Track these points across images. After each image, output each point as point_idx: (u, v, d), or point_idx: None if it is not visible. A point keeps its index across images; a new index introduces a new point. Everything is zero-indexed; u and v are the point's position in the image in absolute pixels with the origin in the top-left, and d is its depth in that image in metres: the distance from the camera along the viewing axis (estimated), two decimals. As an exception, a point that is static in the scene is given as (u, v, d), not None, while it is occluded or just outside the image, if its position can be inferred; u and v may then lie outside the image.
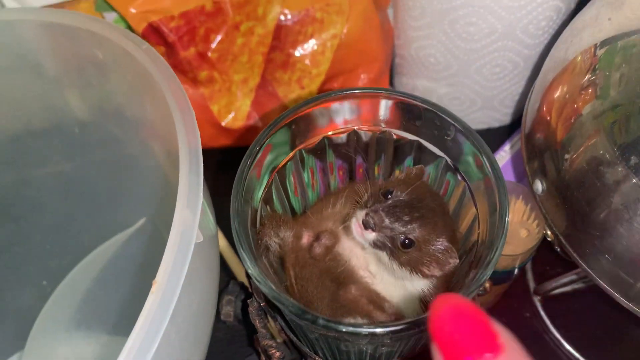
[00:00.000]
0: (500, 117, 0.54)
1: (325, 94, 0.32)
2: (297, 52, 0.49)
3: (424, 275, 0.31)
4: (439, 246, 0.30)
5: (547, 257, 0.49)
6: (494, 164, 0.29)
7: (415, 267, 0.31)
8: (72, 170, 0.50)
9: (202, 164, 0.31)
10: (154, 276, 0.47)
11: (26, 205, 0.50)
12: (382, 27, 0.50)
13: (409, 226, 0.30)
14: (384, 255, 0.31)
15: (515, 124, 0.56)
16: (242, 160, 0.31)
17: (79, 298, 0.46)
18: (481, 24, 0.44)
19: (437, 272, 0.31)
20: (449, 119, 0.31)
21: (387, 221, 0.30)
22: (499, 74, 0.48)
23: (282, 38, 0.48)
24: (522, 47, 0.46)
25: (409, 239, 0.30)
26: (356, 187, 0.37)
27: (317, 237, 0.34)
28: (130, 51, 0.38)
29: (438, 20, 0.45)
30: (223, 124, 0.51)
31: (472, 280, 0.28)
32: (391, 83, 0.56)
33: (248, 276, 0.36)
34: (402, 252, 0.30)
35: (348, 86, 0.51)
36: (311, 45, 0.48)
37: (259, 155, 0.31)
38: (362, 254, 0.33)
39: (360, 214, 0.30)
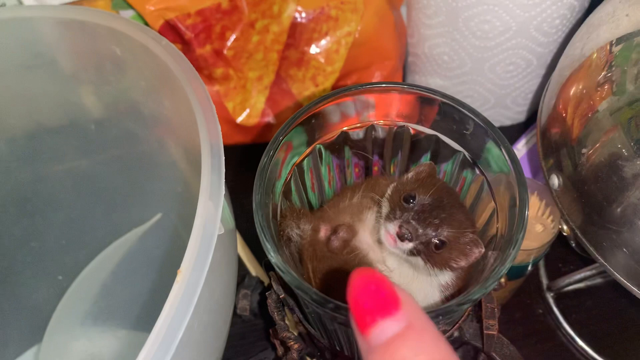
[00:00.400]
0: (513, 115, 0.54)
1: (343, 88, 0.33)
2: (312, 50, 0.49)
3: (452, 269, 0.31)
4: (466, 240, 0.31)
5: (560, 254, 0.49)
6: (514, 158, 0.30)
7: (446, 264, 0.31)
8: (88, 166, 0.50)
9: (224, 158, 0.32)
10: (170, 271, 0.47)
11: (42, 201, 0.51)
12: (396, 26, 0.51)
13: (440, 229, 0.30)
14: (418, 261, 0.31)
15: (527, 122, 0.56)
16: (263, 154, 0.31)
17: (95, 293, 0.47)
18: (495, 22, 0.44)
19: (464, 264, 0.31)
20: (468, 113, 0.31)
21: (420, 230, 0.30)
22: (513, 72, 0.49)
23: (297, 36, 0.49)
24: (535, 45, 0.46)
25: (441, 241, 0.30)
26: (372, 181, 0.37)
27: (334, 231, 0.34)
28: (151, 48, 0.38)
29: (452, 18, 0.45)
30: (238, 121, 0.51)
31: (491, 274, 0.28)
32: (404, 81, 0.57)
33: (267, 268, 0.36)
34: (435, 253, 0.30)
35: (362, 84, 0.51)
36: (326, 43, 0.49)
37: (279, 149, 0.32)
38: (379, 248, 0.34)
39: (392, 227, 0.30)
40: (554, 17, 0.44)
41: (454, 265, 0.31)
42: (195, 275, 0.27)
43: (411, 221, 0.30)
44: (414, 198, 0.31)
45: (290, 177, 0.34)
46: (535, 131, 0.52)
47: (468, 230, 0.30)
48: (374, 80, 0.51)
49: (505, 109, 0.53)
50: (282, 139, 0.31)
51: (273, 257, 0.28)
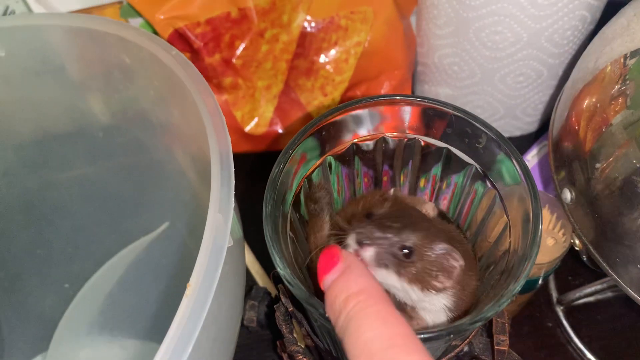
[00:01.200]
0: (522, 125, 0.54)
1: (355, 100, 0.32)
2: (321, 60, 0.49)
3: (437, 289, 0.30)
4: (439, 250, 0.30)
5: (570, 267, 0.48)
6: (527, 173, 0.29)
7: (424, 282, 0.30)
8: (95, 174, 0.50)
9: (233, 169, 0.31)
10: (177, 280, 0.47)
11: (49, 209, 0.50)
12: (405, 35, 0.50)
13: (402, 234, 0.29)
14: (391, 276, 0.30)
15: (537, 133, 0.56)
16: (274, 166, 0.31)
17: (101, 301, 0.47)
18: (507, 33, 0.44)
19: (447, 282, 0.30)
20: (481, 127, 0.31)
21: (378, 233, 0.29)
22: (523, 82, 0.48)
23: (306, 45, 0.49)
24: (546, 56, 0.46)
25: (407, 247, 0.29)
26: (374, 195, 0.37)
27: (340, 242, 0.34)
28: (161, 57, 0.38)
29: (463, 28, 0.45)
30: (246, 130, 0.51)
31: (504, 291, 0.27)
32: (413, 91, 0.57)
33: (276, 281, 0.36)
34: (406, 265, 0.29)
35: (371, 93, 0.51)
36: (335, 52, 0.49)
37: (290, 161, 0.31)
38: None
39: (351, 237, 0.29)
40: (566, 29, 0.44)
41: (437, 285, 0.30)
42: (205, 289, 0.27)
43: (368, 226, 0.29)
44: (372, 214, 0.31)
45: (300, 188, 0.34)
46: (545, 142, 0.52)
47: (439, 239, 0.29)
48: (383, 90, 0.51)
49: (514, 120, 0.53)
50: (292, 152, 0.31)
51: (282, 269, 0.28)
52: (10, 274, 0.49)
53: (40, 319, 0.49)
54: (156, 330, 0.44)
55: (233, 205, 0.30)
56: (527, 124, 0.54)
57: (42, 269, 0.50)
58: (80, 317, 0.46)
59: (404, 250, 0.29)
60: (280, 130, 0.52)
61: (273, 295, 0.46)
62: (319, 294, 0.26)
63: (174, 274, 0.46)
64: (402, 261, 0.29)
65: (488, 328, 0.36)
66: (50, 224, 0.50)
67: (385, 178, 0.38)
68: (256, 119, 0.51)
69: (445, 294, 0.31)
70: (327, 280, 0.24)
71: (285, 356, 0.38)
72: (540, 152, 0.51)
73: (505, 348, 0.34)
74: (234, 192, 0.31)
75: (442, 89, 0.52)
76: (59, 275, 0.50)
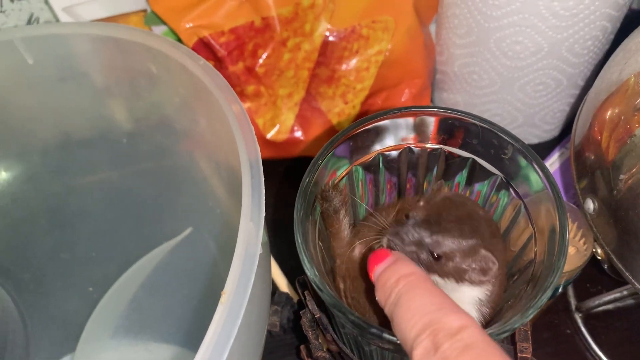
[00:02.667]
0: (541, 133, 0.54)
1: (384, 111, 0.33)
2: (342, 68, 0.50)
3: (472, 282, 0.31)
4: (472, 253, 0.30)
5: (588, 275, 0.49)
6: (553, 183, 0.30)
7: (458, 276, 0.31)
8: (118, 179, 0.51)
9: (263, 178, 0.32)
10: (201, 285, 0.48)
11: (73, 213, 0.51)
12: (425, 44, 0.51)
13: (435, 240, 0.30)
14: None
15: (554, 141, 0.56)
16: (304, 176, 0.31)
17: (126, 305, 0.47)
18: (527, 43, 0.44)
19: (483, 278, 0.31)
20: (507, 139, 0.31)
21: (409, 238, 0.30)
22: (542, 91, 0.49)
23: (328, 54, 0.49)
24: (566, 65, 0.46)
25: (436, 254, 0.30)
26: (405, 202, 0.38)
27: (369, 249, 0.34)
28: (188, 67, 0.39)
29: (484, 38, 0.46)
30: (268, 137, 0.52)
31: (532, 302, 0.28)
32: (431, 99, 0.57)
33: (302, 287, 0.37)
34: (437, 265, 0.31)
35: (391, 101, 0.51)
36: (356, 61, 0.49)
37: (319, 171, 0.32)
38: None
39: (384, 241, 0.31)
40: (586, 39, 0.44)
41: (472, 279, 0.31)
42: (239, 296, 0.28)
43: (400, 234, 0.31)
44: (408, 216, 0.32)
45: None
46: (563, 150, 0.52)
47: (473, 240, 0.30)
48: (403, 98, 0.51)
49: (533, 128, 0.53)
50: (322, 162, 0.32)
51: (313, 276, 0.29)
52: (35, 277, 0.50)
53: (65, 321, 0.50)
54: (181, 334, 0.45)
55: (264, 213, 0.31)
56: (545, 131, 0.55)
57: (65, 273, 0.51)
58: (106, 320, 0.47)
59: (435, 256, 0.30)
60: (301, 137, 0.52)
61: (295, 300, 0.47)
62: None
63: (198, 279, 0.47)
64: (433, 263, 0.30)
65: (511, 336, 0.36)
66: (73, 228, 0.51)
67: (408, 185, 0.39)
68: (277, 126, 0.52)
69: (480, 287, 0.32)
70: (379, 269, 0.28)
71: (309, 361, 0.38)
72: (558, 159, 0.51)
73: (528, 356, 0.34)
74: (264, 201, 0.31)
75: (461, 97, 0.53)
76: (83, 279, 0.51)
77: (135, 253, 0.51)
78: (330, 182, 0.34)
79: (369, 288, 0.34)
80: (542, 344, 0.46)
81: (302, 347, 0.40)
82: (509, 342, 0.37)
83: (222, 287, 0.47)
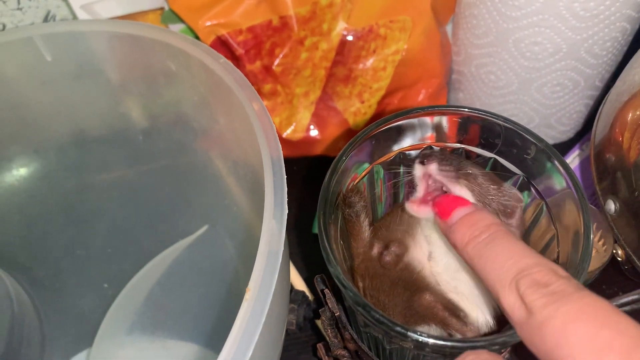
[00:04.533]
0: (556, 134, 0.54)
1: (407, 110, 0.33)
2: (359, 67, 0.50)
3: (505, 213, 0.32)
4: (498, 185, 0.31)
5: (604, 276, 0.48)
6: (576, 183, 0.30)
7: (496, 200, 0.31)
8: (134, 176, 0.51)
9: (285, 176, 0.32)
10: (218, 283, 0.48)
11: (88, 210, 0.51)
12: (442, 44, 0.51)
13: (462, 162, 0.31)
14: (464, 190, 0.32)
15: (569, 142, 0.56)
16: (327, 174, 0.32)
17: (142, 302, 0.47)
18: (546, 44, 0.44)
19: (507, 219, 0.32)
20: (530, 138, 0.31)
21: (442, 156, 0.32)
22: (559, 92, 0.49)
23: (345, 53, 0.49)
24: (584, 66, 0.46)
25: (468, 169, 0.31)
26: None
27: (386, 247, 0.34)
28: (209, 65, 0.39)
29: (502, 39, 0.46)
30: (284, 135, 0.52)
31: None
32: (447, 99, 0.57)
33: (322, 285, 0.37)
34: (471, 179, 0.31)
35: (408, 101, 0.51)
36: (373, 60, 0.49)
37: (341, 169, 0.32)
38: (429, 264, 0.34)
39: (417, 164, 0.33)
40: (605, 40, 0.44)
41: (508, 204, 0.31)
42: (263, 293, 0.28)
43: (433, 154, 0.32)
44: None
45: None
46: (579, 152, 0.52)
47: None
48: (419, 98, 0.51)
49: (549, 128, 0.53)
50: (346, 158, 0.32)
51: (337, 273, 0.29)
52: (50, 274, 0.51)
53: (80, 317, 0.50)
54: (198, 332, 0.45)
55: (286, 211, 0.31)
56: (561, 132, 0.54)
57: (81, 269, 0.51)
58: (122, 317, 0.47)
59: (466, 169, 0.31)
60: (317, 136, 0.52)
61: (310, 298, 0.47)
62: None
63: (214, 277, 0.47)
64: (468, 174, 0.31)
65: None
66: (89, 225, 0.51)
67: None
68: (294, 125, 0.52)
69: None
70: (463, 210, 0.28)
71: (326, 358, 0.38)
72: (575, 160, 0.51)
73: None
74: (286, 199, 0.31)
75: (477, 98, 0.53)
76: (98, 276, 0.51)
77: (150, 250, 0.51)
78: (351, 185, 0.35)
79: (388, 284, 0.34)
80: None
81: (319, 345, 0.40)
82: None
83: (238, 285, 0.48)
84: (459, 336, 0.31)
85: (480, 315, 0.32)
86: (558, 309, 0.21)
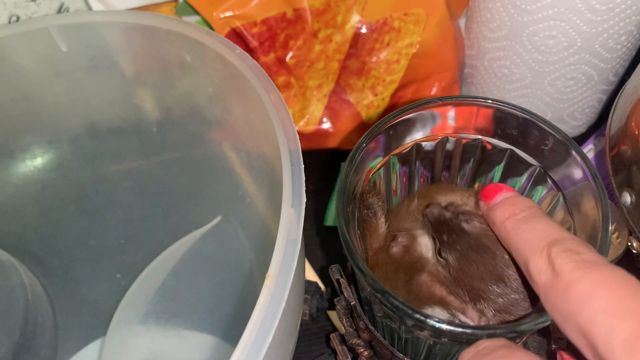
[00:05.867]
0: (568, 129, 0.54)
1: (424, 100, 0.33)
2: (373, 60, 0.50)
3: None
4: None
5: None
6: (595, 175, 0.30)
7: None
8: (147, 167, 0.51)
9: (303, 165, 0.32)
10: (232, 273, 0.48)
11: (102, 201, 0.52)
12: (455, 37, 0.51)
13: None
14: None
15: (582, 137, 0.56)
16: (346, 163, 0.32)
17: (155, 292, 0.48)
18: (560, 38, 0.44)
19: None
20: (549, 129, 0.31)
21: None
22: (573, 86, 0.49)
23: (358, 46, 0.49)
24: (598, 60, 0.46)
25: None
26: (427, 189, 0.38)
27: (393, 237, 0.35)
28: (226, 56, 0.39)
29: (516, 32, 0.46)
30: (296, 128, 0.52)
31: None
32: (460, 93, 0.57)
33: (339, 275, 0.37)
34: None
35: (421, 94, 0.52)
36: (387, 53, 0.50)
37: (359, 159, 0.32)
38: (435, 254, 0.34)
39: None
40: (621, 34, 0.44)
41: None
42: (282, 279, 0.28)
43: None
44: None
45: (366, 187, 0.35)
46: (591, 146, 0.52)
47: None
48: (432, 91, 0.51)
49: (561, 123, 0.53)
50: (366, 144, 0.32)
51: (357, 260, 0.29)
52: (64, 263, 0.51)
53: (93, 306, 0.51)
54: (212, 322, 0.46)
55: (304, 199, 0.31)
56: (573, 127, 0.54)
57: (94, 259, 0.51)
58: (136, 306, 0.47)
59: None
60: (329, 129, 0.53)
61: (323, 289, 0.47)
62: None
63: (227, 267, 0.47)
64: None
65: (544, 328, 0.36)
66: (102, 215, 0.52)
67: (442, 178, 0.39)
68: (306, 118, 0.52)
69: None
70: (507, 193, 0.30)
71: (342, 349, 0.39)
72: (589, 153, 0.51)
73: (564, 347, 0.35)
74: (304, 188, 0.32)
75: (489, 92, 0.53)
76: (111, 266, 0.52)
77: (163, 241, 0.51)
78: (369, 177, 0.35)
79: (393, 273, 0.34)
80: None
81: (332, 335, 0.41)
82: (538, 334, 0.37)
83: (252, 276, 0.48)
84: (461, 317, 0.31)
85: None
86: (587, 274, 0.22)
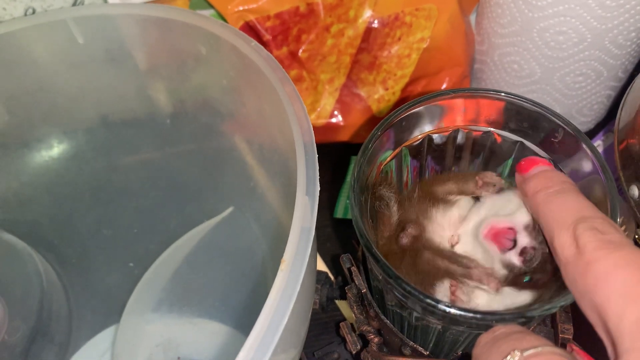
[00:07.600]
0: (577, 125, 0.55)
1: (436, 92, 0.34)
2: (384, 54, 0.51)
3: None
4: None
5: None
6: (604, 167, 0.30)
7: None
8: (161, 158, 0.52)
9: (317, 155, 0.33)
10: (244, 263, 0.49)
11: (116, 191, 0.53)
12: (466, 33, 0.52)
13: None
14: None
15: (591, 132, 0.56)
16: (360, 152, 0.32)
17: (169, 280, 0.49)
18: (571, 34, 0.45)
19: None
20: (558, 122, 0.32)
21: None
22: (582, 82, 0.49)
23: (370, 40, 0.50)
24: (608, 57, 0.47)
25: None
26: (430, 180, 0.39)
27: (402, 228, 0.35)
28: (241, 48, 0.39)
29: (527, 28, 0.46)
30: (308, 121, 0.53)
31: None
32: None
33: (350, 263, 0.38)
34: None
35: (431, 88, 0.52)
36: (398, 48, 0.50)
37: (372, 149, 0.33)
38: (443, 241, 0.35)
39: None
40: (630, 30, 0.45)
41: None
42: (298, 263, 0.29)
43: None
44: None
45: (378, 177, 0.35)
46: (599, 142, 0.53)
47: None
48: (443, 86, 0.52)
49: (569, 119, 0.53)
50: (381, 134, 0.33)
51: (371, 247, 0.29)
52: (78, 252, 0.52)
53: (106, 294, 0.51)
54: (224, 310, 0.46)
55: (318, 188, 0.32)
56: (581, 123, 0.55)
57: (107, 248, 0.52)
58: (150, 294, 0.48)
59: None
60: (340, 123, 0.53)
61: (332, 279, 0.48)
62: None
63: (240, 257, 0.48)
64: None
65: (552, 317, 0.37)
66: (116, 205, 0.52)
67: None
68: (318, 111, 0.53)
69: None
70: (541, 167, 0.30)
71: (351, 337, 0.39)
72: (599, 148, 0.52)
73: (570, 337, 0.35)
74: (318, 176, 0.32)
75: (499, 87, 0.53)
76: (124, 255, 0.53)
77: (176, 231, 0.52)
78: (382, 168, 0.35)
79: (399, 259, 0.34)
80: (582, 325, 0.47)
81: (342, 324, 0.41)
82: (545, 324, 0.38)
83: (263, 265, 0.48)
84: (470, 283, 0.31)
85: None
86: (608, 254, 0.22)
